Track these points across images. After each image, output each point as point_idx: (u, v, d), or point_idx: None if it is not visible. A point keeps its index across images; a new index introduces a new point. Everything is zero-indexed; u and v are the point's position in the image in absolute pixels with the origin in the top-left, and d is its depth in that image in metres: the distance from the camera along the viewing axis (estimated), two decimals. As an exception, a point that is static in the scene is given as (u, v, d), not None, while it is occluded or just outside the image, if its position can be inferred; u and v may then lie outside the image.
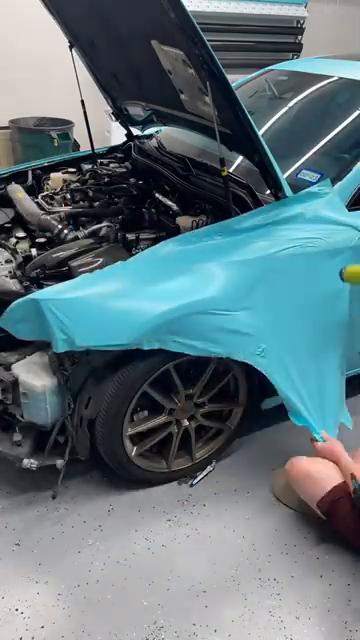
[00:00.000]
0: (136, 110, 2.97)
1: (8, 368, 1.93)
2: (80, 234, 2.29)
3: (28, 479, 2.20)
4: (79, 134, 4.73)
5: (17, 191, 2.67)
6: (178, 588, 1.89)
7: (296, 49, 6.14)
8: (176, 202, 2.41)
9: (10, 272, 2.09)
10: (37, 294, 1.80)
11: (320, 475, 1.99)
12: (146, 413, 2.11)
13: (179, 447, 2.20)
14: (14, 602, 1.81)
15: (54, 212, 2.45)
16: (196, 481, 2.27)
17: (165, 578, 1.92)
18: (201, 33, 1.67)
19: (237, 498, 2.23)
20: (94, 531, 2.06)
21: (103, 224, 2.33)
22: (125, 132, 3.22)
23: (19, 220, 2.51)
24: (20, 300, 1.79)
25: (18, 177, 2.93)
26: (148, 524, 2.10)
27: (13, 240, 2.35)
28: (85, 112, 2.95)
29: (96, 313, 1.79)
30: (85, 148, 3.33)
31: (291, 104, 2.83)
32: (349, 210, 2.18)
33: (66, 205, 2.58)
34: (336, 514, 1.93)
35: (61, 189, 2.81)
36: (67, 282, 1.86)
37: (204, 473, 2.30)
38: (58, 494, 2.11)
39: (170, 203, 2.40)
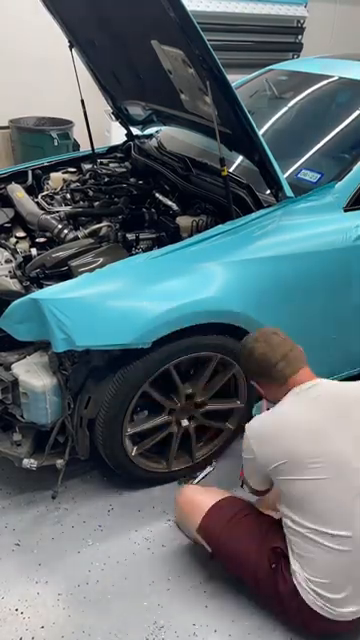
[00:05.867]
0: (136, 110, 2.98)
1: (8, 368, 1.93)
2: (80, 234, 2.29)
3: (28, 479, 2.20)
4: (79, 134, 4.73)
5: (17, 191, 2.67)
6: (178, 588, 1.88)
7: (296, 49, 6.13)
8: (176, 202, 2.41)
9: (10, 272, 2.09)
10: (37, 294, 1.80)
11: (200, 501, 1.86)
12: (146, 413, 2.11)
13: (179, 447, 2.20)
14: (14, 602, 1.81)
15: (54, 212, 2.45)
16: (196, 481, 2.27)
17: (165, 578, 1.91)
18: (201, 33, 1.67)
19: (237, 498, 2.23)
20: (94, 531, 2.06)
21: (103, 224, 2.33)
22: (125, 132, 3.22)
23: (19, 220, 2.51)
24: (20, 300, 1.79)
25: (18, 177, 2.93)
26: (148, 524, 2.10)
27: (13, 240, 2.35)
28: (85, 112, 2.95)
29: (96, 313, 1.79)
30: (85, 148, 3.33)
31: (291, 104, 2.83)
32: (349, 210, 2.19)
33: (66, 205, 2.58)
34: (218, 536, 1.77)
35: (61, 189, 2.81)
36: (67, 282, 1.86)
37: (204, 473, 2.30)
38: (58, 494, 2.11)
39: (170, 203, 2.41)
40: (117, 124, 3.30)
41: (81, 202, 2.59)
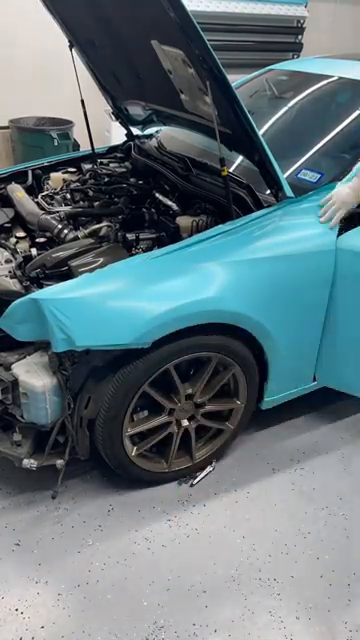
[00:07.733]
0: (136, 110, 2.97)
1: (8, 368, 1.93)
2: (80, 234, 2.29)
3: (28, 479, 2.20)
4: (79, 134, 4.73)
5: (17, 191, 2.67)
6: (178, 588, 1.89)
7: (296, 49, 6.13)
8: (176, 202, 2.41)
9: (10, 272, 2.09)
10: (37, 294, 1.80)
11: None
12: (146, 413, 2.11)
13: (179, 447, 2.20)
14: (14, 602, 1.81)
15: (54, 212, 2.45)
16: (196, 481, 2.27)
17: (165, 578, 1.92)
18: (201, 32, 1.67)
19: (237, 498, 2.23)
20: (94, 531, 2.06)
21: (103, 224, 2.33)
22: (125, 132, 3.22)
23: (19, 220, 2.51)
24: (20, 300, 1.79)
25: (18, 177, 2.93)
26: (148, 524, 2.10)
27: (13, 240, 2.35)
28: (85, 112, 2.95)
29: (96, 313, 1.79)
30: (85, 148, 3.33)
31: (291, 104, 2.82)
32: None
33: (66, 205, 2.58)
34: None
35: (61, 189, 2.81)
36: (67, 282, 1.86)
37: (204, 473, 2.30)
38: (58, 494, 2.11)
39: (170, 203, 2.41)
40: (117, 124, 3.30)
41: (81, 202, 2.59)
